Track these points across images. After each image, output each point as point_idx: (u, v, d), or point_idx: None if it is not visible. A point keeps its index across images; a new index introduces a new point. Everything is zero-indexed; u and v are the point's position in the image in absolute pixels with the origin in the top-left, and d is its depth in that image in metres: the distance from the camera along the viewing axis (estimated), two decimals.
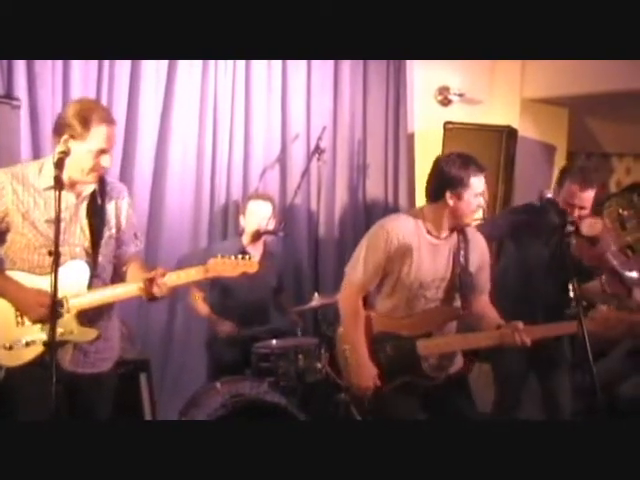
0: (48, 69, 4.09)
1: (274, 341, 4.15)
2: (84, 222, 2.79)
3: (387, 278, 3.17)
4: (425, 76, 5.59)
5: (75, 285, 2.73)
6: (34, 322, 2.68)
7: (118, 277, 2.91)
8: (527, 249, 3.83)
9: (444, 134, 5.28)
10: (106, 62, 4.29)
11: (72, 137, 2.64)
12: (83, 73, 4.24)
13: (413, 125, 5.58)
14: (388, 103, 5.41)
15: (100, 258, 2.81)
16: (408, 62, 5.44)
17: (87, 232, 2.79)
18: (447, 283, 3.18)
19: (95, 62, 4.26)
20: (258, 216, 4.46)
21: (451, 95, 5.65)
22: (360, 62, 5.28)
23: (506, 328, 3.07)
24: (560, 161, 6.09)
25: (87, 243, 2.79)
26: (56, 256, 2.32)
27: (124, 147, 4.40)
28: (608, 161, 7.11)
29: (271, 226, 4.49)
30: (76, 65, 4.19)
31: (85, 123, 2.64)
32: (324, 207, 5.15)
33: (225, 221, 4.86)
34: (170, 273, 2.81)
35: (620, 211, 5.64)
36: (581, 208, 3.63)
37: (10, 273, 2.73)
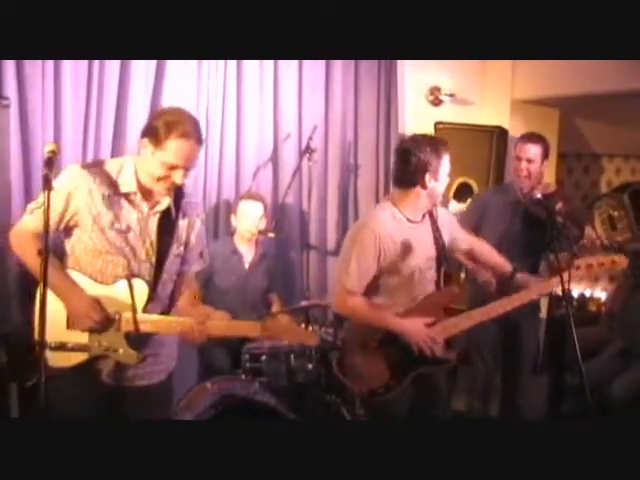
0: (38, 69, 4.06)
1: (265, 341, 4.15)
2: (154, 237, 2.70)
3: (384, 276, 3.17)
4: (416, 76, 5.59)
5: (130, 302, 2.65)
6: (80, 331, 2.63)
7: (175, 297, 2.84)
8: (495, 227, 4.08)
9: (435, 134, 5.27)
10: (96, 62, 4.26)
11: (151, 143, 2.58)
12: (73, 73, 4.21)
13: (404, 125, 5.58)
14: (379, 103, 5.41)
15: (164, 276, 2.74)
16: (399, 62, 5.44)
17: (155, 248, 2.71)
18: (436, 261, 3.22)
19: (85, 62, 4.23)
20: (250, 216, 4.46)
21: (442, 95, 5.66)
22: (351, 62, 5.28)
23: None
24: (551, 162, 6.10)
25: (153, 259, 2.71)
26: (46, 253, 2.24)
27: (112, 147, 4.37)
28: (598, 162, 7.13)
29: (262, 226, 4.49)
30: (67, 65, 4.17)
31: (166, 133, 2.55)
32: (315, 207, 5.15)
33: (216, 221, 4.86)
34: (218, 320, 2.82)
35: (610, 211, 5.66)
36: (529, 161, 4.03)
37: (72, 273, 2.67)
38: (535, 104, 5.77)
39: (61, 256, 2.73)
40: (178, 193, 2.76)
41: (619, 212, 5.64)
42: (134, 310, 2.65)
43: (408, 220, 3.16)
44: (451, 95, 5.67)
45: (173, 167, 2.59)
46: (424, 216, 3.22)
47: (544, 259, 4.03)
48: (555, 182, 6.17)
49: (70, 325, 2.64)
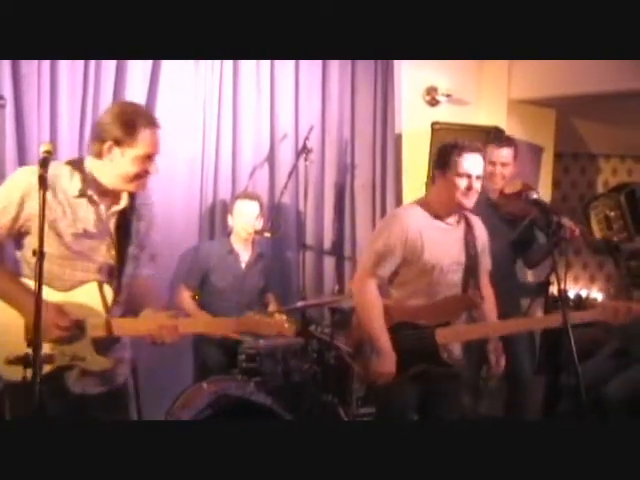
0: (34, 69, 4.06)
1: (261, 341, 4.14)
2: (113, 239, 2.63)
3: (404, 267, 3.18)
4: (413, 76, 5.59)
5: (95, 307, 2.58)
6: (47, 342, 2.46)
7: (131, 302, 2.73)
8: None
9: (432, 134, 5.28)
10: (92, 62, 4.25)
11: (116, 144, 2.51)
12: (69, 73, 4.21)
13: (401, 125, 5.58)
14: (376, 103, 5.40)
15: (124, 279, 2.66)
16: (396, 62, 5.44)
17: (114, 250, 2.64)
18: (464, 268, 3.21)
19: (81, 62, 4.23)
20: (246, 215, 4.45)
21: (439, 96, 5.66)
22: (348, 62, 5.27)
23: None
24: (548, 162, 6.11)
25: (113, 261, 2.64)
26: (40, 254, 2.16)
27: None
28: (595, 162, 7.14)
29: (259, 225, 4.49)
30: (63, 65, 4.16)
31: (130, 128, 2.50)
32: (312, 207, 5.15)
33: (212, 221, 4.85)
34: (184, 319, 2.68)
35: (607, 212, 5.66)
36: (503, 165, 4.13)
37: (26, 281, 2.53)
38: (532, 104, 5.77)
39: (13, 265, 2.65)
40: (131, 194, 2.68)
41: (615, 212, 5.63)
42: (107, 311, 2.58)
43: (436, 217, 3.18)
44: (448, 95, 5.66)
45: (148, 158, 2.55)
46: (459, 221, 3.23)
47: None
48: (551, 182, 6.20)
49: (29, 337, 2.44)
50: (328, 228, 5.28)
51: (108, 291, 2.61)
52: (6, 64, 3.95)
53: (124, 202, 2.66)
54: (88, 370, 2.61)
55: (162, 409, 3.88)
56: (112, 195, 2.63)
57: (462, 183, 3.10)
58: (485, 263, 3.36)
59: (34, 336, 2.15)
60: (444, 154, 3.15)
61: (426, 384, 3.22)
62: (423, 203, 3.25)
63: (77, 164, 2.63)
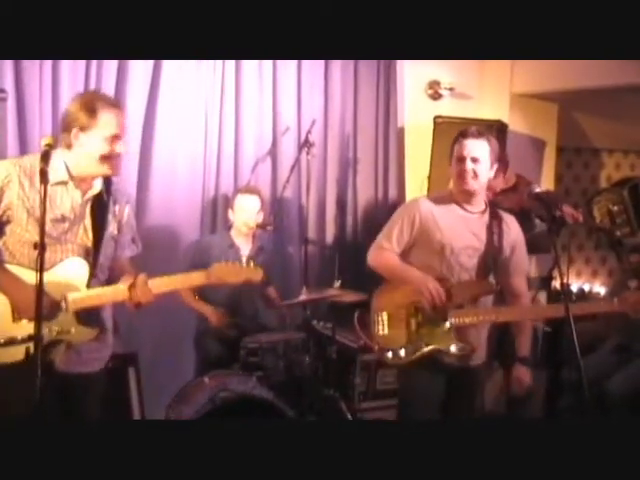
0: (36, 62, 4.05)
1: (263, 336, 4.14)
2: (88, 222, 2.75)
3: (417, 247, 3.24)
4: (415, 70, 5.58)
5: (75, 283, 2.70)
6: (31, 320, 2.58)
7: (113, 281, 2.84)
8: None
9: (434, 128, 5.27)
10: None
11: (81, 129, 2.63)
12: (71, 66, 4.20)
13: (403, 119, 5.58)
14: (378, 97, 5.39)
15: (101, 259, 2.78)
16: None
17: (90, 232, 2.75)
18: (481, 255, 3.22)
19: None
20: (247, 211, 4.44)
21: (441, 89, 5.66)
22: None
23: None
24: (550, 156, 6.10)
25: (89, 243, 2.75)
26: (41, 249, 2.28)
27: None
28: (598, 156, 7.13)
29: (259, 220, 4.48)
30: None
31: (91, 112, 2.63)
32: (314, 201, 5.14)
33: (214, 215, 4.85)
34: (155, 279, 2.76)
35: (610, 206, 5.66)
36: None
37: (9, 267, 2.67)
38: (534, 98, 5.76)
39: None
40: (107, 180, 2.81)
41: (618, 207, 5.64)
42: (87, 285, 2.69)
43: (458, 204, 3.22)
44: (450, 89, 5.66)
45: (114, 138, 2.66)
46: (484, 212, 3.25)
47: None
48: (554, 177, 6.19)
49: (16, 317, 2.63)
50: (330, 222, 5.27)
51: (85, 267, 2.72)
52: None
53: (98, 187, 2.77)
54: (73, 346, 2.71)
55: (163, 404, 3.88)
56: (87, 181, 2.75)
57: (457, 167, 3.16)
58: (517, 262, 3.33)
59: (35, 326, 2.29)
60: (452, 144, 3.22)
61: (449, 381, 3.23)
62: (444, 193, 3.34)
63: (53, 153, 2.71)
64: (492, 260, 3.23)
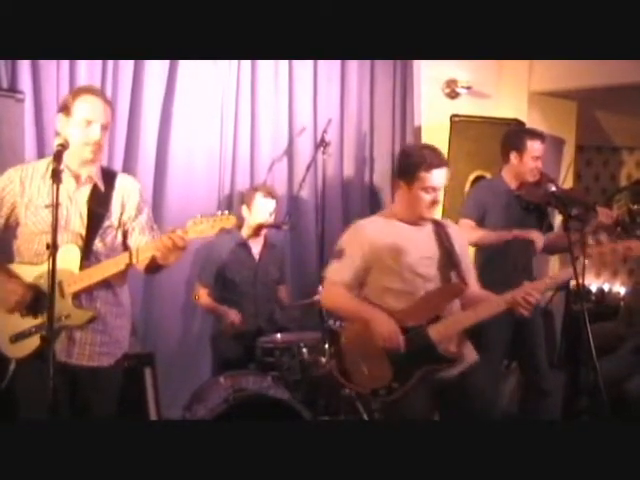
0: (53, 63, 4.08)
1: (278, 335, 4.14)
2: (83, 208, 2.80)
3: (373, 272, 3.13)
4: (432, 69, 5.56)
5: (67, 268, 2.72)
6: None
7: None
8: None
9: (451, 127, 5.25)
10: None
11: (65, 115, 2.74)
12: (88, 66, 4.22)
13: (420, 118, 5.55)
14: (395, 96, 5.38)
15: (95, 245, 2.80)
16: None
17: (85, 218, 2.79)
18: (439, 261, 3.15)
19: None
20: (264, 212, 4.42)
21: (458, 88, 5.62)
22: None
23: (517, 290, 3.02)
24: (569, 154, 6.05)
25: (83, 231, 2.79)
26: (53, 248, 2.30)
27: (127, 140, 4.38)
28: (618, 154, 7.07)
29: (271, 220, 4.46)
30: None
31: (72, 98, 2.77)
32: (330, 200, 5.12)
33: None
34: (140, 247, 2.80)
35: (630, 205, 5.60)
36: (538, 159, 4.09)
37: (12, 266, 2.76)
38: (553, 96, 5.72)
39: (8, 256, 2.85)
40: (111, 173, 2.93)
41: (639, 206, 5.58)
42: (80, 268, 2.73)
43: (400, 220, 3.16)
44: (468, 88, 5.62)
45: (88, 123, 2.73)
46: (425, 224, 3.18)
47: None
48: (573, 175, 6.14)
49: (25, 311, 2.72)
50: (346, 221, 5.25)
51: (74, 250, 2.75)
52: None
53: (87, 171, 2.82)
54: (71, 335, 2.75)
55: (180, 404, 3.89)
56: (78, 168, 2.81)
57: (427, 197, 3.07)
58: (468, 264, 3.29)
59: (47, 327, 2.36)
60: (411, 168, 3.07)
61: (438, 388, 3.16)
62: (386, 214, 3.24)
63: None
64: (450, 264, 3.16)
